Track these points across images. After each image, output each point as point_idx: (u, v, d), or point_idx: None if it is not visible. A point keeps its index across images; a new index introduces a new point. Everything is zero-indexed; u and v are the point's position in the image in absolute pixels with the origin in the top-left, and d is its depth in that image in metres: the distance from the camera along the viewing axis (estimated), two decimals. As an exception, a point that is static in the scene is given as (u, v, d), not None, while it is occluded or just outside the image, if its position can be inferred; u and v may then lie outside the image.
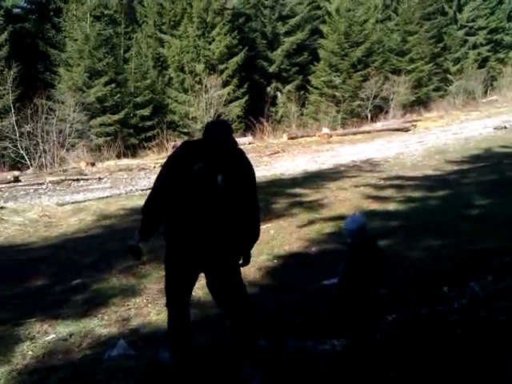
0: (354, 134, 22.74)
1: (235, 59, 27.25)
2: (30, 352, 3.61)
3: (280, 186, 10.51)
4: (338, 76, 28.64)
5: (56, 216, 8.66)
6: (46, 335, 3.89)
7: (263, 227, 6.90)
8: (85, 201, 10.44)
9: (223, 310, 3.31)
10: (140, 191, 11.76)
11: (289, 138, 21.92)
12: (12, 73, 22.27)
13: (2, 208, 9.20)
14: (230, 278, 3.16)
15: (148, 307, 4.34)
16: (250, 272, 5.06)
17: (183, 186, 2.94)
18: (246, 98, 26.79)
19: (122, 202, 9.46)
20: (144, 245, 3.22)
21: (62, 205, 9.67)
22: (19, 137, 20.77)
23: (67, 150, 21.22)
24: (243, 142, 21.57)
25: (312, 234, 6.24)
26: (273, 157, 17.74)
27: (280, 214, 7.75)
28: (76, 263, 5.81)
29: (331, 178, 10.87)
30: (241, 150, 3.21)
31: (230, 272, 3.16)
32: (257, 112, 25.88)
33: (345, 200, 8.23)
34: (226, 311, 3.29)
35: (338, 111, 27.62)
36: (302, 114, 28.10)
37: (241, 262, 3.25)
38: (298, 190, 9.60)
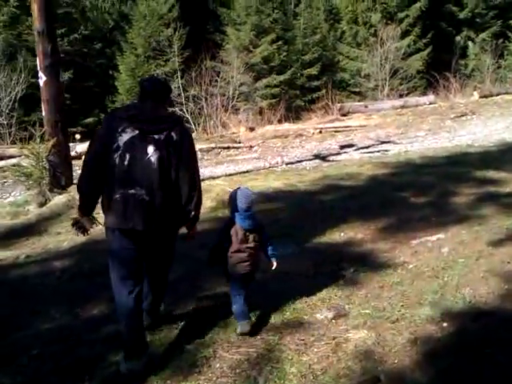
0: None
1: (418, 5, 23.49)
2: None
3: (464, 164, 7.70)
4: (553, 17, 22.93)
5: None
6: None
7: (432, 239, 4.55)
8: (218, 176, 8.98)
9: (146, 268, 3.10)
10: (284, 166, 9.92)
11: (481, 97, 17.94)
12: (180, 34, 22.07)
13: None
14: (164, 250, 3.09)
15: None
16: (394, 344, 2.84)
17: (111, 159, 2.81)
18: (429, 49, 23.03)
19: (254, 182, 7.71)
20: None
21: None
22: (185, 100, 20.60)
23: (231, 113, 20.41)
24: (422, 101, 18.30)
25: (517, 266, 3.67)
26: (458, 120, 14.36)
27: (461, 215, 5.19)
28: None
29: (544, 156, 7.66)
30: (176, 115, 3.42)
31: (164, 245, 3.06)
32: (441, 66, 21.89)
33: None
34: (149, 274, 3.14)
35: (548, 62, 22.17)
36: (498, 67, 23.19)
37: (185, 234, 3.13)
38: (491, 174, 6.76)
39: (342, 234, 5.02)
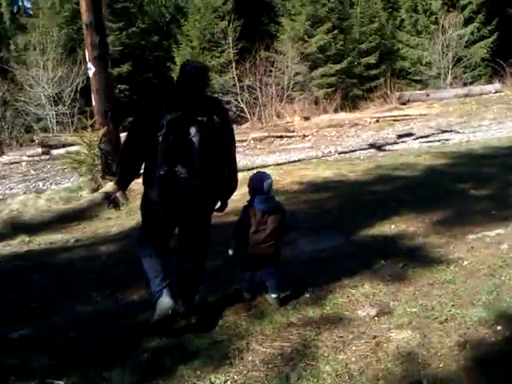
0: None
1: (482, -10, 22.20)
2: None
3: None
4: None
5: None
6: None
7: (490, 234, 4.23)
8: (269, 166, 8.82)
9: (181, 252, 3.21)
10: (337, 155, 9.66)
11: (553, 85, 16.77)
12: (234, 26, 22.03)
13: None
14: (200, 228, 3.14)
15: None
16: (440, 347, 2.61)
17: (154, 138, 2.88)
18: (495, 36, 21.82)
19: (304, 172, 7.52)
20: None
21: (240, 171, 8.13)
22: (240, 90, 20.58)
23: (286, 103, 20.21)
24: (487, 90, 17.35)
25: None
26: (527, 110, 13.48)
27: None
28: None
29: None
30: (217, 98, 3.42)
31: (201, 224, 3.13)
32: (508, 53, 20.63)
33: None
34: (183, 254, 3.20)
35: None
36: None
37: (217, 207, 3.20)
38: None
39: (393, 227, 4.76)
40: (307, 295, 3.39)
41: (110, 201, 3.26)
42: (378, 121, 14.35)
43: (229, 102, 20.96)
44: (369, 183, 6.51)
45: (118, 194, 3.31)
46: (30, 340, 3.16)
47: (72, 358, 2.90)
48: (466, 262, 3.70)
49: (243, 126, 18.88)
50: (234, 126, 15.37)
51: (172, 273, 3.18)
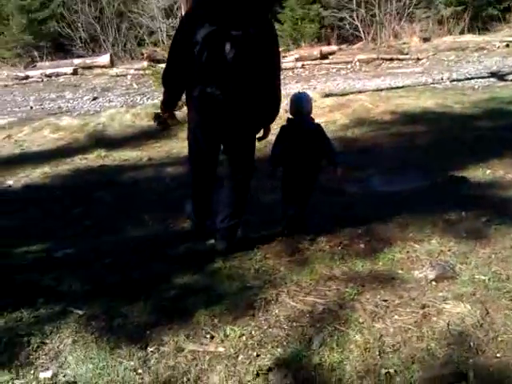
0: None
1: None
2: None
3: None
4: None
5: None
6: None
7: None
8: (367, 91, 8.05)
9: (224, 175, 3.03)
10: (448, 82, 8.56)
11: None
12: None
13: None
14: (240, 151, 2.95)
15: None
16: (503, 330, 2.12)
17: (192, 55, 2.63)
18: None
19: (402, 100, 6.70)
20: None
21: (328, 95, 7.51)
22: (356, 6, 19.07)
23: (405, 22, 18.44)
24: None
25: None
26: None
27: None
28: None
29: None
30: (261, 8, 2.75)
31: (241, 147, 2.94)
32: None
33: None
34: (226, 177, 3.02)
35: None
36: None
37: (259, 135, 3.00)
38: None
39: (488, 172, 4.07)
40: (361, 245, 2.99)
41: (160, 121, 3.10)
42: (508, 45, 12.55)
43: (342, 19, 19.60)
44: (475, 117, 5.66)
45: (166, 115, 3.11)
46: (70, 261, 3.14)
47: (102, 286, 2.81)
48: None
49: (354, 47, 17.62)
50: (344, 46, 14.35)
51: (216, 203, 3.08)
